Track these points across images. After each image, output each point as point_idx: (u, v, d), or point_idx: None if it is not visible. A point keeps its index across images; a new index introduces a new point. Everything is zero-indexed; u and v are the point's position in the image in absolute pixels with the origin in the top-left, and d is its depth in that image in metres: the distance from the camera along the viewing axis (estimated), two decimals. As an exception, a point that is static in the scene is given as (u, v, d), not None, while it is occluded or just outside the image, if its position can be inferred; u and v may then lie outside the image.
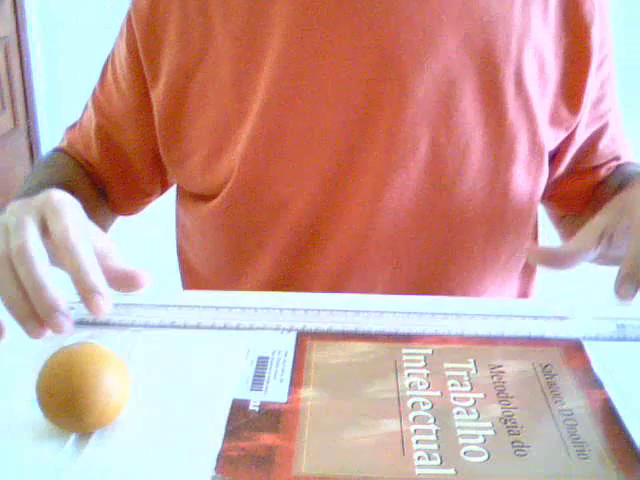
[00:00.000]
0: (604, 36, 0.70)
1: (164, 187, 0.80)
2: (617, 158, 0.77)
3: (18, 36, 2.58)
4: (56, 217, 0.50)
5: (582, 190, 0.77)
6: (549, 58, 0.67)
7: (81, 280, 0.47)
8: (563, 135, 0.71)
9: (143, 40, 0.68)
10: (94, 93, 0.76)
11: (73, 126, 0.79)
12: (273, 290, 0.68)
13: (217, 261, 0.74)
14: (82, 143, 0.76)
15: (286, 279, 0.70)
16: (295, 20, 0.63)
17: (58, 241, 0.48)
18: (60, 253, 0.48)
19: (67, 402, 0.43)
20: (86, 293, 0.47)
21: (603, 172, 0.76)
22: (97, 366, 0.44)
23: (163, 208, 0.83)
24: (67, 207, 0.51)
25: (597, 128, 0.74)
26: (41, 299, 0.46)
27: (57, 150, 0.78)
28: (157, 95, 0.69)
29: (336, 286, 0.68)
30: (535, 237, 0.77)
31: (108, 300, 0.47)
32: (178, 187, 0.79)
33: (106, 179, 0.76)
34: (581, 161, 0.76)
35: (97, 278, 0.47)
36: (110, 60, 0.75)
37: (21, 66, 2.57)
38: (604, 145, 0.76)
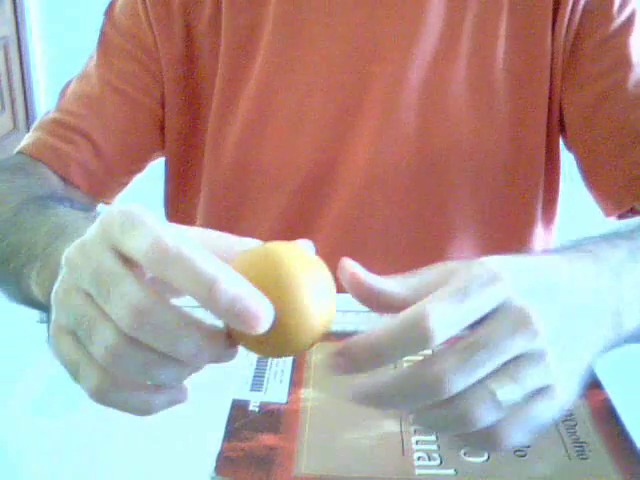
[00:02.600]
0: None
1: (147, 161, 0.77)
2: None
3: (18, 36, 2.58)
4: (137, 233, 0.33)
5: (630, 179, 0.66)
6: (538, 34, 0.66)
7: (213, 292, 0.32)
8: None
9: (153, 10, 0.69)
10: (103, 79, 0.72)
11: (48, 114, 0.73)
12: None
13: None
14: (89, 110, 0.71)
15: None
16: (288, 7, 0.66)
17: (151, 257, 0.32)
18: (161, 271, 0.33)
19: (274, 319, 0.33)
20: (229, 308, 0.32)
21: None
22: (305, 272, 0.34)
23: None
24: (146, 217, 0.34)
25: (612, 64, 0.67)
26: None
27: (32, 160, 0.68)
28: (167, 56, 0.70)
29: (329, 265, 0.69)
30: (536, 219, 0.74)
31: (263, 305, 0.32)
32: (165, 196, 0.79)
33: (105, 146, 0.71)
34: (614, 120, 0.67)
35: (232, 281, 0.32)
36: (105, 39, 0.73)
37: (21, 66, 2.57)
38: (635, 83, 0.66)
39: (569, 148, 0.72)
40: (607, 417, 0.46)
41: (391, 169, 0.67)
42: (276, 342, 0.34)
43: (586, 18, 0.66)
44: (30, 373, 0.46)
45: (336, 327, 0.55)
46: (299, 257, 0.35)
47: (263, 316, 0.32)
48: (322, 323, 0.35)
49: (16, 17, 2.56)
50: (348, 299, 0.61)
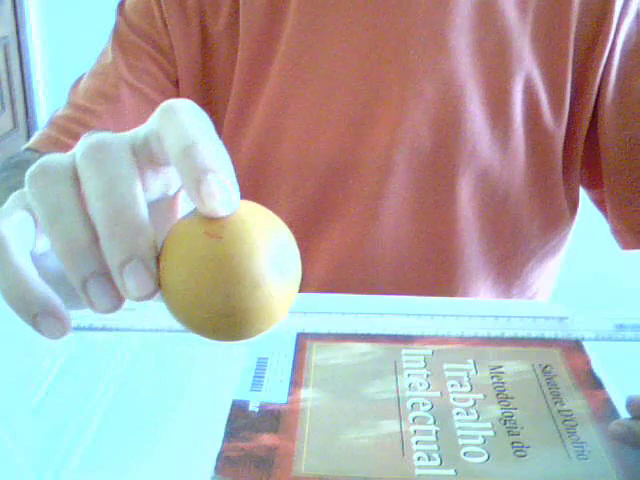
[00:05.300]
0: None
1: None
2: None
3: (18, 36, 2.58)
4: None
5: None
6: (559, 60, 0.65)
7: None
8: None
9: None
10: (118, 71, 0.71)
11: (58, 111, 0.72)
12: None
13: None
14: (104, 107, 0.69)
15: None
16: (308, 8, 0.65)
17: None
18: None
19: (220, 295, 0.27)
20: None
21: None
22: (262, 237, 0.28)
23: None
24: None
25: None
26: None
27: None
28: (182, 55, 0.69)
29: (342, 270, 0.68)
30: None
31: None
32: None
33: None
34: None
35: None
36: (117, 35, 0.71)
37: (21, 66, 2.57)
38: None
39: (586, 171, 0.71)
40: (607, 417, 0.46)
41: (401, 186, 0.66)
42: (228, 327, 0.28)
43: (634, 56, 0.65)
44: (27, 376, 0.46)
45: (336, 328, 0.56)
46: (260, 220, 0.29)
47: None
48: (286, 304, 0.29)
49: (16, 17, 2.56)
50: (347, 301, 0.61)
